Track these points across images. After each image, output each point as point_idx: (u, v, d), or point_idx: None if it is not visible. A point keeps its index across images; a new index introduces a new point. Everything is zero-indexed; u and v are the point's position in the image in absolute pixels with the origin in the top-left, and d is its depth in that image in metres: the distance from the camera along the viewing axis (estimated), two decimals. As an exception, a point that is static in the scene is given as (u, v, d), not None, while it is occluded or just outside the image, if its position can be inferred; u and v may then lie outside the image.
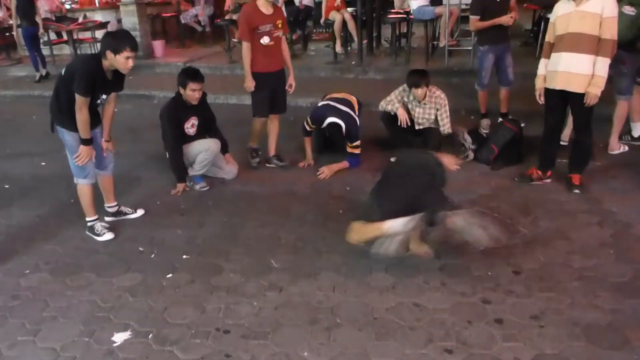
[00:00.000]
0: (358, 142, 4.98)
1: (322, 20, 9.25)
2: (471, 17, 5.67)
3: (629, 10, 4.49)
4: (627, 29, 4.44)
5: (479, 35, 5.84)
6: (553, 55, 4.17)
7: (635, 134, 5.23)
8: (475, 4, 5.67)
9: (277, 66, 4.91)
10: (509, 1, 5.54)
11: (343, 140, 4.96)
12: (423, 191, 3.30)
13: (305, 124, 5.09)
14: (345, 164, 4.99)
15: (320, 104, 5.16)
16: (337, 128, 4.83)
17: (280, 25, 4.80)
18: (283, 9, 8.90)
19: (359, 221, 3.38)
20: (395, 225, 3.13)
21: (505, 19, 5.42)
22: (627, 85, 4.84)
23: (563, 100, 4.21)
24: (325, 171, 4.90)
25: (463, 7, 8.21)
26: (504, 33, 5.57)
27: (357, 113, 5.08)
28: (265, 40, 4.71)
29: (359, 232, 3.35)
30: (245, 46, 4.73)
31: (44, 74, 9.82)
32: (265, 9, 4.68)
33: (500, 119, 5.72)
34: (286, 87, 5.05)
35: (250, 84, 4.81)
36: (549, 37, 4.26)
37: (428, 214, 3.13)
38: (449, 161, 3.65)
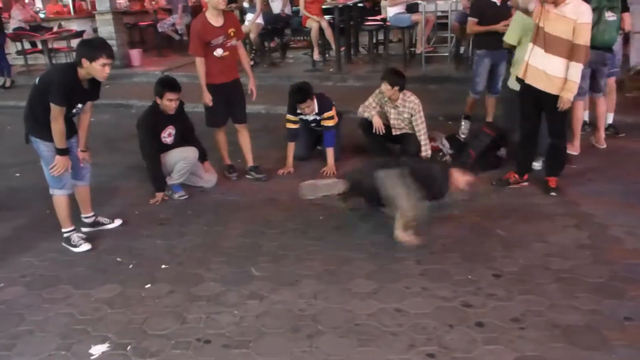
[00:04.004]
0: (331, 113, 5.04)
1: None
2: (469, 19, 5.69)
3: (610, 16, 4.66)
4: (615, 33, 4.75)
5: (475, 39, 5.86)
6: (529, 45, 4.20)
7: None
8: (474, 6, 5.68)
9: (232, 76, 4.84)
10: (510, 8, 5.47)
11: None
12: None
13: (287, 123, 5.13)
14: (330, 151, 5.04)
15: None
16: (307, 89, 4.92)
17: (233, 34, 4.70)
18: (260, 18, 8.93)
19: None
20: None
21: (500, 27, 5.40)
22: (604, 84, 5.14)
23: (538, 106, 4.27)
24: (327, 170, 5.01)
25: (439, 14, 8.30)
26: (500, 39, 5.55)
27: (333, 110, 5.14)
28: (218, 52, 4.65)
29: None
30: (199, 61, 4.66)
31: (8, 84, 9.77)
32: (215, 20, 4.59)
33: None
34: (249, 93, 4.99)
35: (207, 99, 4.76)
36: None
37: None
38: (460, 179, 3.78)
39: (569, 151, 5.01)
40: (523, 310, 2.96)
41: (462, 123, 5.81)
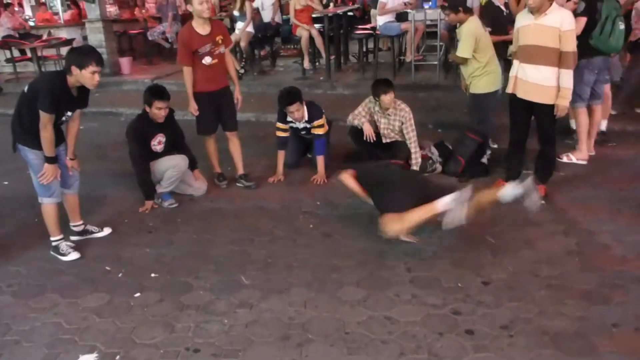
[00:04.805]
0: (321, 121, 5.04)
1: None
2: None
3: (622, 25, 4.85)
4: (622, 41, 4.91)
5: None
6: (514, 61, 4.30)
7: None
8: (484, 16, 5.64)
9: (221, 84, 4.84)
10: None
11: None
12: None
13: (277, 132, 5.12)
14: (320, 159, 5.04)
15: None
16: (295, 92, 4.94)
17: (221, 41, 4.70)
18: (250, 27, 8.95)
19: (390, 214, 3.58)
20: (447, 201, 3.52)
21: (510, 37, 5.37)
22: (602, 92, 5.22)
23: (528, 113, 4.31)
24: (318, 178, 5.00)
25: (428, 23, 8.35)
26: (507, 48, 5.40)
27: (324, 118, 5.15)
28: (207, 60, 4.64)
29: (402, 221, 3.55)
30: (186, 70, 4.66)
31: None
32: (202, 28, 4.60)
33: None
34: (235, 102, 4.98)
35: (192, 108, 4.76)
36: (515, 47, 4.37)
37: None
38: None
39: (578, 160, 5.13)
40: (512, 318, 2.97)
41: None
